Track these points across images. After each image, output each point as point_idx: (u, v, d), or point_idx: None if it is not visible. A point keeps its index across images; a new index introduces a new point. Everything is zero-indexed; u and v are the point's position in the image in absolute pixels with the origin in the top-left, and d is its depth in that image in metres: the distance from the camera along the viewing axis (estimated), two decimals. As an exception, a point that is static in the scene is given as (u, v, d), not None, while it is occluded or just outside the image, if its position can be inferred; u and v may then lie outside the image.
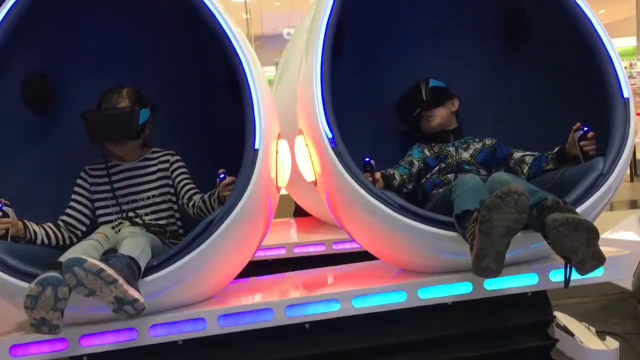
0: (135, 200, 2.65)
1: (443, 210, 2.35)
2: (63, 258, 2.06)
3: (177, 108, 2.80)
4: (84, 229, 2.63)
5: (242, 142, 2.31)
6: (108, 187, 2.66)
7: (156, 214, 2.65)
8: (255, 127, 2.31)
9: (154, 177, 2.68)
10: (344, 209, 2.47)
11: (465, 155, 2.81)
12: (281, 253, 3.22)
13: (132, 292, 1.97)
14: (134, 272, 2.05)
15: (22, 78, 2.65)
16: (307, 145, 2.49)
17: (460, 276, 2.32)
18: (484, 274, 2.07)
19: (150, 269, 2.16)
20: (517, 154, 2.80)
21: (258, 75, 2.39)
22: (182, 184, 2.67)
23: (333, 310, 2.29)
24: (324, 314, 2.29)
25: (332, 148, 2.33)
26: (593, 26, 2.45)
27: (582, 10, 2.47)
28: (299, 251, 3.23)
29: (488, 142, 2.86)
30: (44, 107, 2.77)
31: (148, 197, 2.66)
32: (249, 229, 2.35)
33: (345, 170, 2.31)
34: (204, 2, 2.41)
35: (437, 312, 2.35)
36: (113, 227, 2.51)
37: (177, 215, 2.70)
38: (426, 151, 2.86)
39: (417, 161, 2.82)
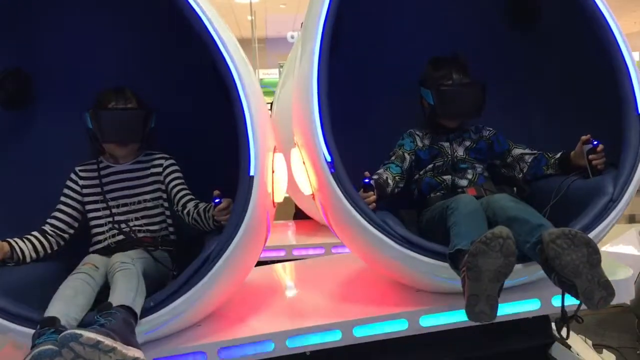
0: (127, 204, 2.55)
1: (439, 229, 2.31)
2: (53, 310, 1.98)
3: (165, 110, 2.64)
4: (72, 232, 2.54)
5: (236, 148, 2.20)
6: (99, 190, 2.55)
7: (147, 219, 2.57)
8: (250, 153, 2.19)
9: (146, 180, 2.58)
10: (342, 230, 2.40)
11: (460, 152, 2.68)
12: (281, 255, 3.19)
13: (132, 353, 1.92)
14: (131, 325, 1.99)
15: None
16: (304, 162, 2.38)
17: (461, 303, 2.27)
18: (477, 319, 2.02)
19: (148, 310, 2.11)
20: (517, 151, 2.69)
21: (252, 92, 2.24)
22: (175, 189, 2.56)
23: (334, 339, 2.26)
24: (324, 343, 2.27)
25: (332, 173, 2.23)
26: (614, 37, 2.28)
27: (606, 21, 2.29)
28: (298, 253, 3.19)
29: (486, 133, 2.73)
30: (20, 105, 2.63)
31: (139, 202, 2.57)
32: (247, 254, 2.29)
33: (345, 197, 2.22)
34: (196, 13, 2.23)
35: (438, 337, 2.33)
36: (106, 242, 2.48)
37: (170, 220, 2.61)
38: (418, 141, 2.70)
39: (409, 154, 2.68)
